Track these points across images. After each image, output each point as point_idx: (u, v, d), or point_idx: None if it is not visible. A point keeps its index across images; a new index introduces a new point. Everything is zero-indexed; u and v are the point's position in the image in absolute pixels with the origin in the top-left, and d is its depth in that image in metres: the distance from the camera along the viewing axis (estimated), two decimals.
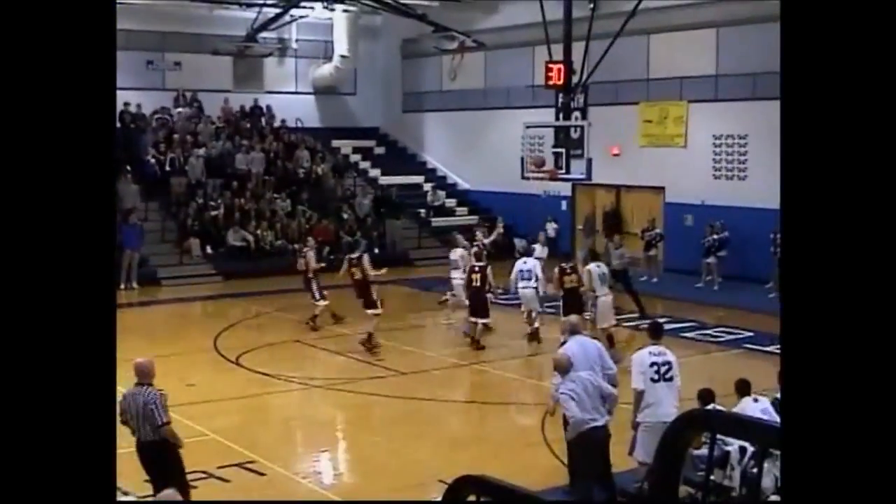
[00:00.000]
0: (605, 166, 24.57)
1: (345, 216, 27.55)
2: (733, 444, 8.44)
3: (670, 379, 9.43)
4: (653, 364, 9.44)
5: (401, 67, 33.28)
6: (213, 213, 25.80)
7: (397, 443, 12.07)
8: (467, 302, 17.41)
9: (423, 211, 29.94)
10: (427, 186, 31.21)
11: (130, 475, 8.37)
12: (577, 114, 24.04)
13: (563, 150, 21.81)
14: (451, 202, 30.93)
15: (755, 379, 9.92)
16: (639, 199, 26.26)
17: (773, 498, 7.58)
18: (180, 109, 29.23)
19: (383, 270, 17.84)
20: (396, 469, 11.01)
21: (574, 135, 22.18)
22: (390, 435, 12.44)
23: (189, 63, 29.81)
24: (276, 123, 30.49)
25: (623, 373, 10.20)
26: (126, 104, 27.23)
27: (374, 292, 16.85)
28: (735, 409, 8.77)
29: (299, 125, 31.19)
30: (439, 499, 4.17)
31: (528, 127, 23.87)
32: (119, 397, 8.26)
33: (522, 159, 23.02)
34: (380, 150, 32.91)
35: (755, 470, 7.76)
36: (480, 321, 16.96)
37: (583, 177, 22.30)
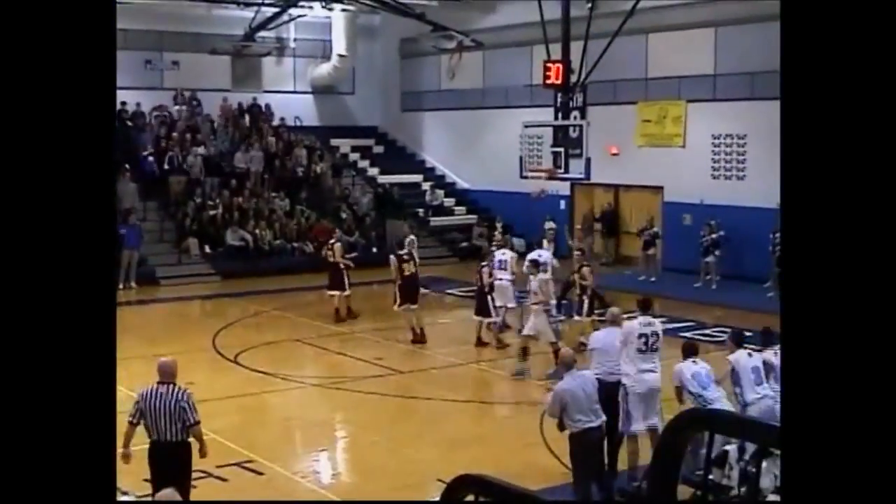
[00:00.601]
0: (604, 166, 24.59)
1: (343, 215, 27.54)
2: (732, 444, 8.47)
3: (656, 349, 9.99)
4: (641, 335, 9.93)
5: (399, 67, 33.27)
6: (212, 212, 25.78)
7: (396, 442, 12.06)
8: (553, 301, 16.26)
9: (421, 210, 29.93)
10: (426, 185, 31.21)
11: (130, 475, 8.35)
12: (575, 113, 24.00)
13: (561, 150, 21.82)
14: (449, 201, 30.92)
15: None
16: (637, 198, 26.25)
17: (772, 497, 7.58)
18: (178, 107, 29.21)
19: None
20: (395, 469, 11.01)
21: (573, 134, 22.17)
22: (389, 434, 12.43)
23: (187, 62, 29.77)
24: (275, 122, 30.48)
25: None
26: (123, 103, 27.17)
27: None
28: (730, 358, 9.54)
29: (298, 124, 31.20)
30: (438, 498, 4.17)
31: (526, 126, 23.89)
32: (136, 397, 8.24)
33: (521, 158, 22.99)
34: (378, 150, 32.90)
35: (754, 469, 7.76)
36: (486, 320, 16.96)
37: (581, 176, 22.28)
